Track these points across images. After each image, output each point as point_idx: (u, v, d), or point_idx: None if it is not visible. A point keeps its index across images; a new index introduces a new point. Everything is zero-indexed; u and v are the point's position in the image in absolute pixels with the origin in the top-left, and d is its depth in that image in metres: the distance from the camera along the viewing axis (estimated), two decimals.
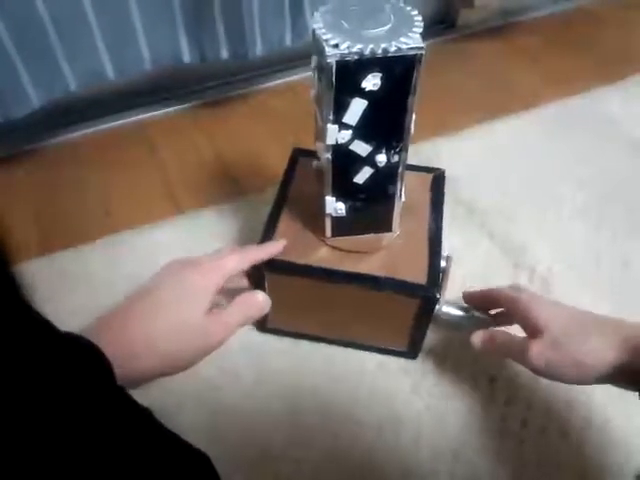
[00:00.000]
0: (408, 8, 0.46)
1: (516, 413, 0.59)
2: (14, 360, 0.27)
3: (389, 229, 0.57)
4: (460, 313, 0.58)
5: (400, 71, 0.44)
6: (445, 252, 0.59)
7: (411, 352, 0.62)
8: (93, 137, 0.95)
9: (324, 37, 0.43)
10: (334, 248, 0.58)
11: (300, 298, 0.59)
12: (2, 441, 0.24)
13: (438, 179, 0.66)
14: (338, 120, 0.47)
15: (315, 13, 0.46)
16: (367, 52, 0.42)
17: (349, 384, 0.62)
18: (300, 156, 0.69)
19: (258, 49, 0.89)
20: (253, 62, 0.93)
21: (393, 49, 0.42)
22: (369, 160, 0.50)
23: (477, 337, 0.54)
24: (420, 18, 0.45)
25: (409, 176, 0.62)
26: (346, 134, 0.47)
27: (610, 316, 0.49)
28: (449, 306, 0.58)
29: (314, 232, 0.59)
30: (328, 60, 0.42)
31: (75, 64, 0.80)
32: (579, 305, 0.66)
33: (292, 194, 0.64)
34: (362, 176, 0.51)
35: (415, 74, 0.44)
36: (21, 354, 0.27)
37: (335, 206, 0.54)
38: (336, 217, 0.55)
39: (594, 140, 0.92)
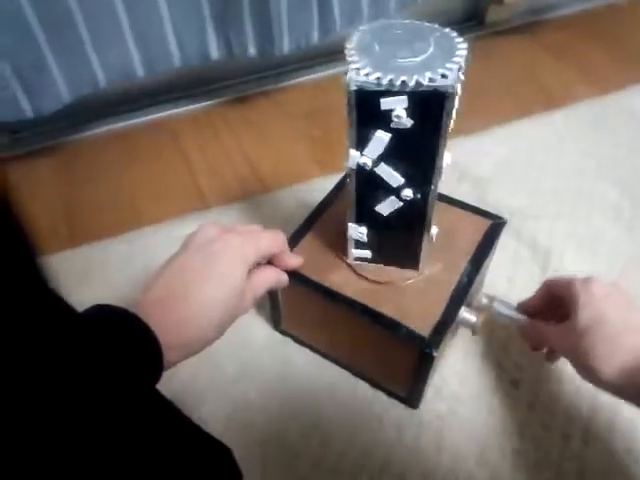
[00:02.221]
0: (456, 38, 0.42)
1: (538, 418, 0.58)
2: (46, 348, 0.27)
3: (415, 267, 0.55)
4: (510, 312, 0.57)
5: (425, 107, 0.40)
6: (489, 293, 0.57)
7: (411, 400, 0.58)
8: (120, 132, 0.97)
9: (349, 58, 0.41)
10: (355, 274, 0.56)
11: (309, 311, 0.59)
12: (25, 425, 0.25)
13: (494, 228, 0.60)
14: (360, 148, 0.45)
15: (355, 31, 0.44)
16: (384, 82, 0.39)
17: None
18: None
19: (285, 46, 0.89)
20: (280, 59, 0.94)
21: (412, 83, 0.39)
22: (395, 191, 0.48)
23: (521, 327, 0.56)
24: (464, 50, 0.41)
25: (464, 216, 0.61)
26: (368, 160, 0.45)
27: None
28: (503, 304, 0.58)
29: (338, 254, 0.57)
30: (350, 87, 0.40)
31: (105, 60, 0.82)
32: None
33: (327, 214, 0.62)
34: (386, 207, 0.49)
35: (444, 112, 0.41)
36: (48, 342, 0.28)
37: (357, 229, 0.53)
38: (357, 240, 0.54)
39: (626, 139, 0.90)
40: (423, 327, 0.51)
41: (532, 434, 0.57)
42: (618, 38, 1.14)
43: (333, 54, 1.06)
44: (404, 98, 0.40)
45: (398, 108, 0.41)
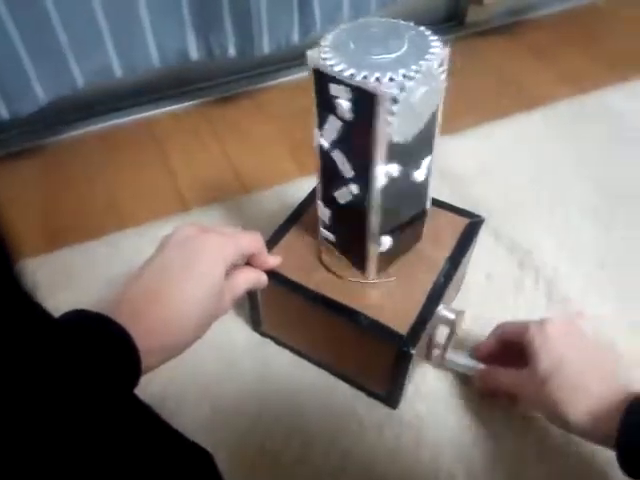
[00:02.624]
0: (430, 36, 0.43)
1: (516, 414, 0.58)
2: (21, 355, 0.27)
3: (362, 271, 0.55)
4: (464, 361, 0.58)
5: (363, 105, 0.41)
6: (455, 307, 0.56)
7: (390, 399, 0.58)
8: (100, 134, 0.96)
9: (322, 55, 0.42)
10: (336, 275, 0.56)
11: (288, 312, 0.59)
12: (5, 433, 0.25)
13: (472, 227, 0.61)
14: (320, 129, 0.46)
15: (332, 30, 0.44)
16: (358, 78, 0.40)
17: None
18: None
19: (265, 46, 0.89)
20: (262, 59, 0.93)
21: (359, 78, 0.39)
22: (345, 182, 0.48)
23: (477, 376, 0.56)
24: (438, 48, 0.42)
25: (442, 214, 0.62)
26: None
27: (611, 369, 0.48)
28: (455, 354, 0.58)
29: (317, 255, 0.58)
30: (311, 66, 0.42)
31: (83, 61, 0.81)
32: (585, 306, 0.66)
33: (307, 215, 0.62)
34: (341, 196, 0.50)
35: (378, 115, 0.40)
36: (24, 348, 0.28)
37: (323, 209, 0.53)
38: (323, 221, 0.54)
39: (605, 139, 0.91)
40: (401, 325, 0.51)
41: (510, 430, 0.57)
42: (596, 38, 1.16)
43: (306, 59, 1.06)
44: (348, 89, 0.41)
45: (343, 98, 0.42)
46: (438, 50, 0.42)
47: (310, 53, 0.42)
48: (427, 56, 0.41)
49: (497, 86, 1.04)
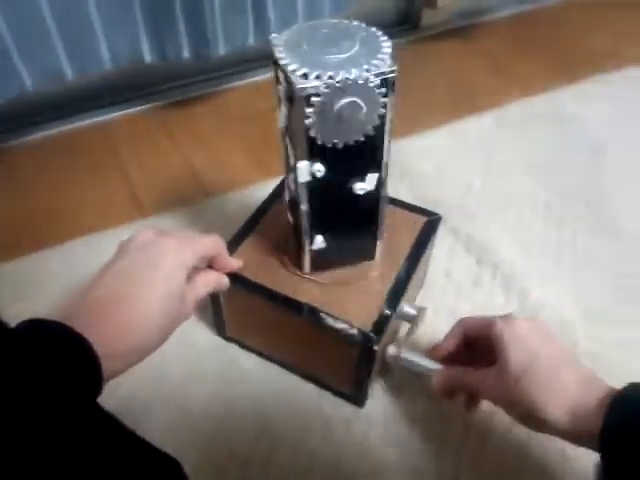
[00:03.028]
0: (381, 37, 0.44)
1: (479, 409, 0.59)
2: None
3: (372, 257, 0.56)
4: (420, 360, 0.55)
5: (293, 100, 0.42)
6: (418, 303, 0.57)
7: (356, 397, 0.59)
8: (54, 139, 0.93)
9: (277, 55, 0.42)
10: (298, 276, 0.56)
11: (252, 315, 0.59)
12: None
13: (430, 224, 0.62)
14: (313, 156, 0.45)
15: (283, 32, 0.44)
16: (311, 77, 0.40)
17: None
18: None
19: (221, 48, 0.89)
20: (216, 62, 0.93)
21: (339, 78, 0.40)
22: (348, 189, 0.48)
23: (436, 376, 0.52)
24: (389, 48, 0.43)
25: (401, 213, 0.62)
26: (321, 166, 0.46)
27: (586, 367, 0.45)
28: (411, 353, 0.56)
29: (278, 256, 0.58)
30: (298, 94, 0.40)
31: (31, 62, 0.78)
32: (541, 301, 0.68)
33: (267, 217, 0.62)
34: (341, 207, 0.50)
35: (389, 96, 0.42)
36: None
37: (316, 239, 0.53)
38: (316, 251, 0.54)
39: (555, 139, 0.94)
40: (364, 323, 0.52)
41: (474, 420, 0.58)
42: (547, 41, 1.19)
43: (271, 57, 1.06)
44: (284, 79, 0.42)
45: (282, 87, 0.43)
46: (388, 50, 0.43)
47: (298, 82, 0.41)
48: (379, 55, 0.42)
49: (451, 89, 1.06)
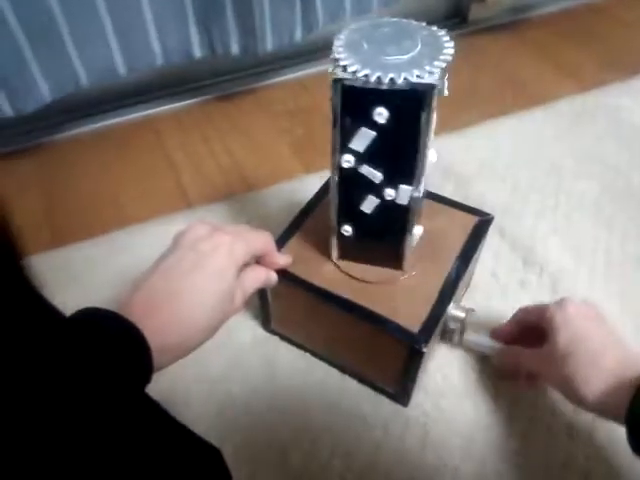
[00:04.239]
0: (444, 37, 0.43)
1: (523, 412, 0.58)
2: (33, 353, 0.27)
3: (399, 268, 0.55)
4: (484, 341, 0.59)
5: (407, 106, 0.41)
6: (466, 304, 0.58)
7: (401, 397, 0.58)
8: (103, 131, 0.96)
9: (336, 55, 0.41)
10: (343, 274, 0.56)
11: (298, 311, 0.59)
12: (16, 427, 0.25)
13: (482, 225, 0.61)
14: (345, 144, 0.45)
15: (344, 29, 0.44)
16: (372, 79, 0.40)
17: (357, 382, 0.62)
18: None
19: (268, 44, 0.89)
20: (263, 57, 0.93)
21: (400, 81, 0.39)
22: (377, 190, 0.48)
23: (497, 354, 0.58)
24: (451, 49, 0.42)
25: (451, 213, 0.61)
26: (351, 158, 0.45)
27: (631, 350, 0.49)
28: (475, 335, 0.59)
29: (325, 254, 0.58)
30: (334, 82, 0.41)
31: (86, 59, 0.81)
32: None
33: (315, 213, 0.62)
34: (368, 205, 0.49)
35: (425, 111, 0.41)
36: (35, 346, 0.28)
37: (343, 226, 0.53)
38: (343, 238, 0.54)
39: (605, 136, 0.91)
40: (412, 323, 0.51)
41: (517, 428, 0.57)
42: (597, 36, 1.16)
43: (316, 52, 1.06)
44: (387, 95, 0.40)
45: (380, 105, 0.41)
46: (451, 50, 0.42)
47: (336, 72, 0.41)
48: (442, 57, 0.41)
49: (499, 84, 1.04)
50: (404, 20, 0.45)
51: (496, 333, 0.59)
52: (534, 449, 0.56)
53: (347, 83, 0.41)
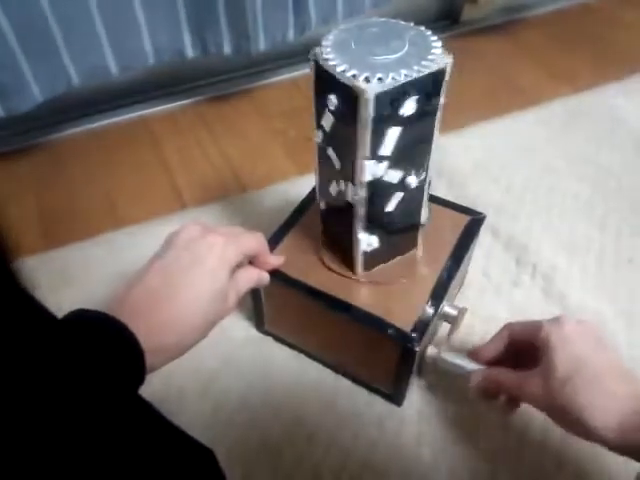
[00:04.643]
0: (430, 36, 0.43)
1: (518, 410, 0.58)
2: (24, 354, 0.27)
3: (414, 246, 0.57)
4: (460, 362, 0.53)
5: (429, 90, 0.42)
6: (459, 304, 0.56)
7: (395, 396, 0.58)
8: (96, 132, 0.96)
9: (325, 56, 0.42)
10: (338, 274, 0.56)
11: (292, 311, 0.59)
12: (7, 429, 0.25)
13: (474, 224, 0.61)
14: (375, 154, 0.44)
15: (332, 30, 0.44)
16: (361, 79, 0.39)
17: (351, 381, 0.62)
18: None
19: (261, 44, 0.89)
20: (257, 57, 0.93)
21: (388, 80, 0.39)
22: (400, 185, 0.48)
23: (475, 375, 0.51)
24: (439, 48, 0.42)
25: (443, 212, 0.62)
26: (383, 165, 0.45)
27: (636, 377, 0.44)
28: (451, 354, 0.54)
29: (318, 255, 0.58)
30: (367, 96, 0.39)
31: (78, 59, 0.80)
32: (582, 303, 0.67)
33: (307, 214, 0.62)
34: (393, 203, 0.49)
35: (441, 91, 0.43)
36: (27, 348, 0.28)
37: (369, 241, 0.52)
38: (369, 252, 0.53)
39: (599, 137, 0.91)
40: (405, 323, 0.51)
41: (511, 426, 0.57)
42: (591, 37, 1.16)
43: (309, 53, 1.06)
44: (413, 87, 0.41)
45: (408, 100, 0.41)
46: (439, 50, 0.42)
47: (317, 50, 0.42)
48: (430, 56, 0.41)
49: (492, 85, 1.04)
50: (392, 20, 0.45)
51: (476, 353, 0.53)
52: (529, 448, 0.56)
53: (382, 93, 0.40)
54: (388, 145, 0.44)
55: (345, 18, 0.95)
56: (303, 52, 1.05)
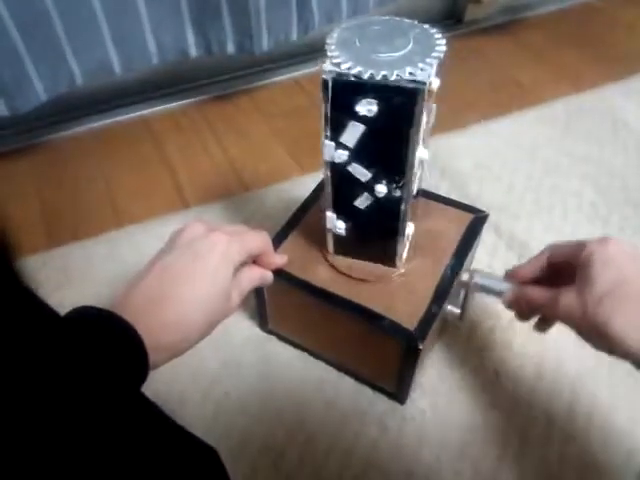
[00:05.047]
0: (435, 34, 0.43)
1: (519, 410, 0.58)
2: (27, 352, 0.27)
3: (393, 265, 0.55)
4: (496, 284, 0.51)
5: (398, 102, 0.41)
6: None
7: (398, 394, 0.58)
8: (99, 131, 0.96)
9: (329, 53, 0.42)
10: (339, 272, 0.56)
11: (296, 310, 0.59)
12: (10, 428, 0.25)
13: (477, 222, 0.61)
14: (335, 138, 0.45)
15: (337, 28, 0.44)
16: (365, 76, 0.40)
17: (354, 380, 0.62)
18: None
19: (264, 44, 0.89)
20: (260, 57, 0.93)
21: (393, 78, 0.40)
22: (368, 187, 0.48)
23: (508, 292, 0.50)
24: (443, 47, 0.42)
25: (446, 210, 0.61)
26: (343, 154, 0.46)
27: None
28: (485, 278, 0.52)
29: (322, 253, 0.58)
30: (324, 76, 0.41)
31: (82, 58, 0.81)
32: None
33: (310, 213, 0.62)
34: (362, 202, 0.49)
35: (416, 108, 0.41)
36: (30, 346, 0.28)
37: (335, 223, 0.53)
38: (336, 235, 0.54)
39: (600, 136, 0.91)
40: (409, 321, 0.51)
41: (514, 425, 0.57)
42: (593, 37, 1.16)
43: (312, 52, 1.06)
44: (377, 90, 0.41)
45: (370, 100, 0.41)
46: (443, 48, 0.42)
47: (326, 65, 0.42)
48: (434, 54, 0.41)
49: (495, 84, 1.04)
50: (396, 18, 0.45)
51: (513, 273, 0.51)
52: (531, 446, 0.56)
53: (339, 78, 0.41)
54: (347, 137, 0.44)
55: (349, 17, 0.95)
56: (306, 52, 1.06)
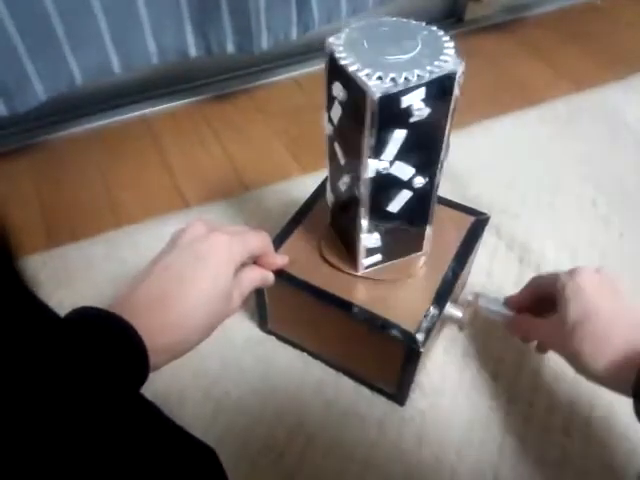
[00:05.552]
0: (443, 37, 0.43)
1: (518, 410, 0.58)
2: (27, 352, 0.27)
3: (419, 249, 0.56)
4: (496, 307, 0.57)
5: (440, 94, 0.41)
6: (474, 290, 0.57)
7: (398, 396, 0.59)
8: (99, 131, 0.96)
9: (337, 55, 0.41)
10: (343, 273, 0.56)
11: (295, 311, 0.59)
12: (10, 428, 0.24)
13: (478, 224, 0.61)
14: (377, 154, 0.44)
15: (344, 28, 0.44)
16: (414, 79, 0.40)
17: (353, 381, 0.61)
18: None
19: (264, 43, 0.89)
20: (259, 56, 0.93)
21: (401, 80, 0.39)
22: (408, 184, 0.48)
23: (510, 322, 0.56)
24: (451, 49, 0.42)
25: (447, 212, 0.61)
26: (385, 163, 0.45)
27: None
28: (488, 300, 0.58)
29: (321, 255, 0.57)
30: (374, 97, 0.39)
31: (81, 58, 0.80)
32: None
33: (311, 214, 0.62)
34: (398, 203, 0.49)
35: (453, 94, 0.42)
36: (30, 346, 0.28)
37: (371, 239, 0.52)
38: (371, 248, 0.53)
39: (603, 137, 0.91)
40: (410, 323, 0.51)
41: (513, 426, 0.57)
42: (594, 36, 1.16)
43: (312, 52, 1.06)
44: (422, 90, 0.41)
45: (416, 101, 0.41)
46: (451, 51, 0.42)
47: (331, 39, 0.42)
48: (442, 57, 0.41)
49: (495, 83, 1.04)
50: (404, 20, 0.45)
51: (509, 301, 0.57)
52: (530, 447, 0.56)
53: (386, 94, 0.40)
54: (392, 147, 0.44)
55: (349, 16, 0.95)
56: (305, 51, 1.05)
